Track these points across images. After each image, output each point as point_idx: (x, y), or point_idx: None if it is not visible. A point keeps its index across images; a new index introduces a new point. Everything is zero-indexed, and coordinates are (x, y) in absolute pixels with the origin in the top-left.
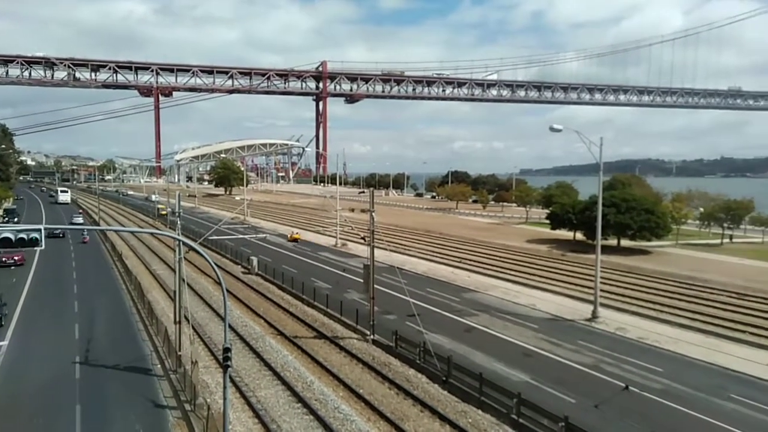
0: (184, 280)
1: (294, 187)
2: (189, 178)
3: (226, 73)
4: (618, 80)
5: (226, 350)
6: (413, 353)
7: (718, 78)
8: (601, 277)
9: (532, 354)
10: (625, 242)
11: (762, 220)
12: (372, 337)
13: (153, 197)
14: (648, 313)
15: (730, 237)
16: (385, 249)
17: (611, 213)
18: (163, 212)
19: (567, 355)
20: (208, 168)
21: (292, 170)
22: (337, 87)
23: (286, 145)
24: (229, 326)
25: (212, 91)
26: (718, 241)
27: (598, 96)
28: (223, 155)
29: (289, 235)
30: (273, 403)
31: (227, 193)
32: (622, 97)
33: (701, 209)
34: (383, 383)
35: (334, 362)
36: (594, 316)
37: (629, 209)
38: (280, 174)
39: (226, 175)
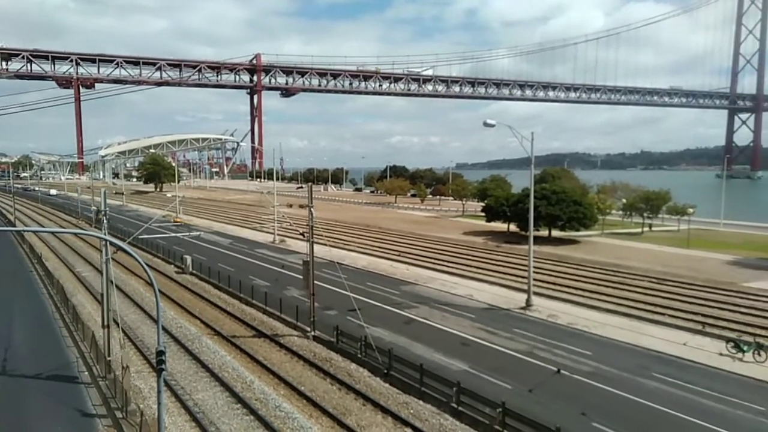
0: (112, 282)
1: (229, 183)
2: (115, 175)
3: (154, 64)
4: (547, 77)
5: (160, 353)
6: (354, 348)
7: (636, 76)
8: (534, 267)
9: (470, 343)
10: (556, 233)
11: (677, 210)
12: (312, 333)
13: (52, 192)
14: (577, 299)
15: (650, 226)
16: (325, 244)
17: (542, 205)
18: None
19: (503, 343)
20: (137, 164)
21: (227, 166)
22: (273, 80)
23: (220, 139)
24: (163, 328)
25: (139, 83)
26: (639, 230)
27: (528, 92)
28: (152, 150)
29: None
30: (211, 405)
31: (157, 190)
32: (550, 94)
33: (624, 200)
34: (325, 379)
35: (275, 360)
36: (528, 304)
37: (559, 201)
38: (214, 170)
39: (155, 171)
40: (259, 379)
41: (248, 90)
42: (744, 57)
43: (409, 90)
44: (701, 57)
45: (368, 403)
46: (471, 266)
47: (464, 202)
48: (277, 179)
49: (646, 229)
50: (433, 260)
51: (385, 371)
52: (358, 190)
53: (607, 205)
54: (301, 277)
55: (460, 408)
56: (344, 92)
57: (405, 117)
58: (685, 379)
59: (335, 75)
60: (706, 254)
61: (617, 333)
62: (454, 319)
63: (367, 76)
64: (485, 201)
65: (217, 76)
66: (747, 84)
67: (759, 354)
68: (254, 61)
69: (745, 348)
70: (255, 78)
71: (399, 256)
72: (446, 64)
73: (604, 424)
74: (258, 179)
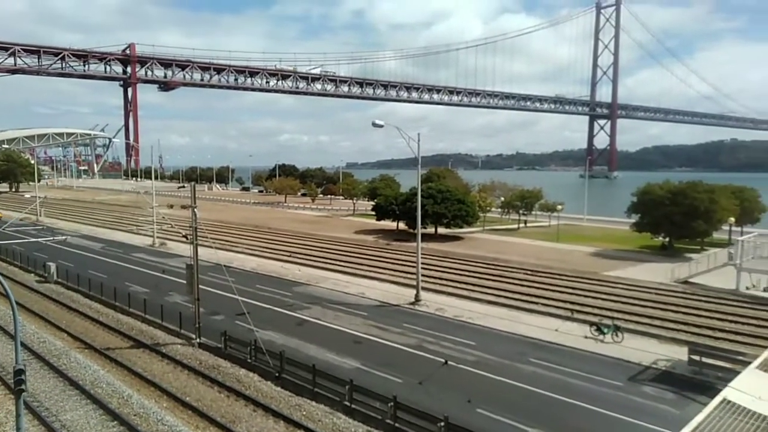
0: None
1: (100, 183)
2: None
3: (6, 49)
4: (431, 80)
5: (19, 372)
6: (244, 353)
7: (512, 82)
8: (422, 263)
9: (362, 341)
10: (442, 230)
11: (548, 207)
12: (198, 340)
13: None
14: (462, 292)
15: (525, 222)
16: (210, 247)
17: (429, 204)
18: None
19: (394, 339)
20: None
21: (97, 164)
22: (149, 73)
23: (89, 135)
24: (22, 344)
25: None
26: (516, 226)
27: (414, 94)
28: (5, 146)
29: None
30: (82, 426)
31: (13, 190)
32: (435, 96)
33: (502, 198)
34: (212, 387)
35: (156, 371)
36: (417, 299)
37: (444, 200)
38: (83, 168)
39: (10, 168)
40: (139, 392)
41: (121, 82)
42: (601, 69)
43: (297, 88)
44: (566, 67)
45: (259, 409)
46: (362, 264)
47: (355, 202)
48: (156, 178)
49: (522, 225)
50: (325, 260)
51: (277, 374)
52: (246, 189)
53: (487, 203)
54: (184, 281)
55: (353, 406)
56: (229, 88)
57: (294, 115)
58: (556, 362)
59: (219, 70)
60: (572, 247)
61: (498, 323)
62: (346, 317)
63: (253, 72)
64: (375, 200)
65: (85, 65)
66: (604, 93)
67: (617, 335)
68: (128, 51)
69: (605, 330)
70: (129, 69)
71: (290, 256)
72: (335, 64)
73: (487, 409)
74: (134, 178)
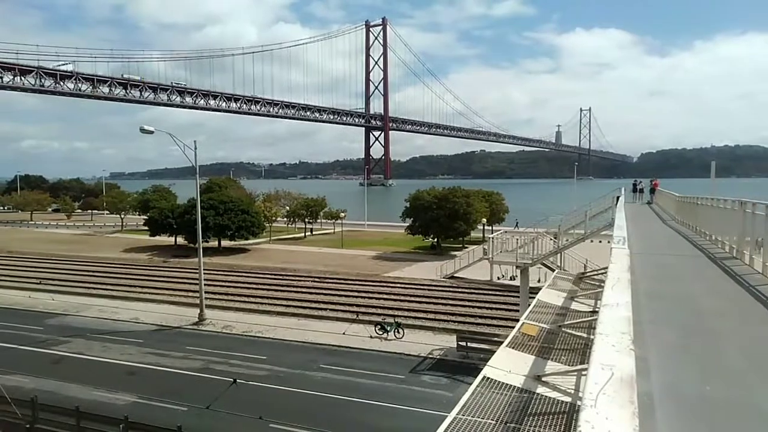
0: None
1: None
2: None
3: None
4: (206, 85)
5: None
6: None
7: (291, 92)
8: (206, 279)
9: (138, 371)
10: (226, 242)
11: (332, 214)
12: None
13: None
14: (251, 307)
15: (311, 230)
16: None
17: (211, 215)
18: None
19: (175, 364)
20: None
21: None
22: None
23: None
24: None
25: None
26: (302, 234)
27: (189, 99)
28: None
29: None
30: None
31: None
32: (212, 102)
33: (287, 207)
34: None
35: None
36: (201, 319)
37: (227, 211)
38: None
39: None
40: None
41: None
42: (373, 83)
43: (42, 86)
44: (342, 80)
45: None
46: (135, 286)
47: (123, 216)
48: None
49: (308, 233)
50: (87, 285)
51: (28, 426)
52: None
53: (272, 213)
54: None
55: None
56: None
57: (40, 118)
58: (345, 364)
59: None
60: (356, 252)
61: (288, 333)
62: (117, 347)
63: None
64: (148, 214)
65: None
66: (377, 106)
67: (398, 332)
68: None
69: (388, 328)
70: None
71: (40, 284)
72: (91, 61)
73: (280, 422)
74: None
